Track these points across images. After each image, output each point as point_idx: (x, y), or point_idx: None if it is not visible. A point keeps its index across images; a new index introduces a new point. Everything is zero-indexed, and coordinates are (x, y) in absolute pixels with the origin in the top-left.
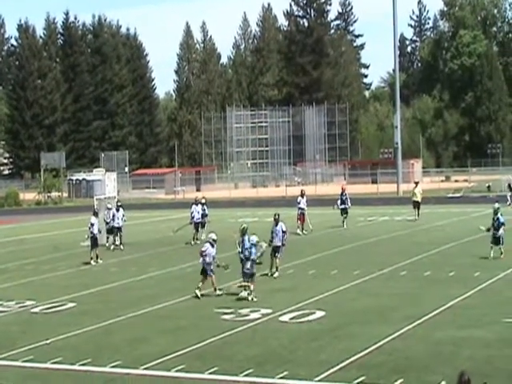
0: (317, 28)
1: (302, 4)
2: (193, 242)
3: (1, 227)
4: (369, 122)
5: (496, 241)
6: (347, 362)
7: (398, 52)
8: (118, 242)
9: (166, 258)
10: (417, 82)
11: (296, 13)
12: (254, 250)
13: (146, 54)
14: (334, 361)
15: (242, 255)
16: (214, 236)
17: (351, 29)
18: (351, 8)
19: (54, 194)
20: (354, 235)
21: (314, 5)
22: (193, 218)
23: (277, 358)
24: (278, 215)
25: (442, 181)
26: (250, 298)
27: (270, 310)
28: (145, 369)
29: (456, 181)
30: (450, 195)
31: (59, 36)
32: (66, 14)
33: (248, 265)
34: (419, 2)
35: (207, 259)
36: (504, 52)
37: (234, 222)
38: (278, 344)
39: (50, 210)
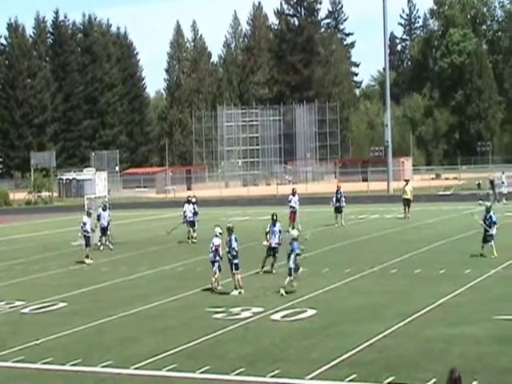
0: (307, 26)
1: (292, 3)
2: (189, 241)
3: None
4: (359, 121)
5: (488, 238)
6: (339, 359)
7: (388, 50)
8: (105, 242)
9: (157, 257)
10: (407, 80)
11: (286, 11)
12: (295, 244)
13: (137, 53)
14: (326, 359)
15: (229, 255)
16: (219, 230)
17: (341, 27)
18: (341, 6)
19: (44, 193)
20: (344, 233)
21: (305, 3)
22: (185, 216)
23: (268, 357)
24: (276, 215)
25: (433, 179)
26: (283, 292)
27: (261, 309)
28: (136, 368)
29: (446, 179)
30: (441, 193)
31: (49, 35)
32: (56, 12)
33: (292, 259)
34: (409, 1)
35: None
36: (493, 50)
37: (225, 221)
38: (269, 342)
39: (40, 209)
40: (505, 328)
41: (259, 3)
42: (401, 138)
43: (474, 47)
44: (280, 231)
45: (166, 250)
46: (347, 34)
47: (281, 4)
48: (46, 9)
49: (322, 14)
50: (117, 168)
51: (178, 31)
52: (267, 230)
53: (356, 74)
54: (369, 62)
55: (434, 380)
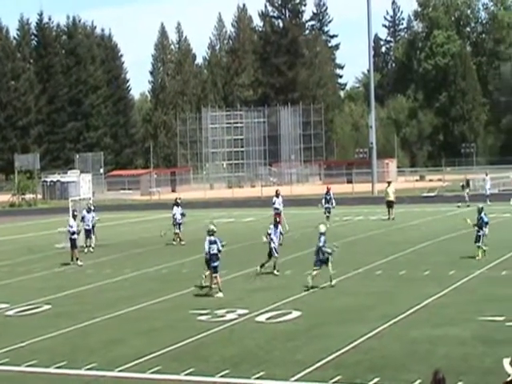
0: (292, 28)
1: (276, 5)
2: (176, 243)
3: None
4: (344, 122)
5: (477, 238)
6: (323, 361)
7: (372, 52)
8: (88, 244)
9: (142, 259)
10: (391, 82)
11: (271, 13)
12: (322, 238)
13: (121, 55)
14: (311, 360)
15: (206, 256)
16: (212, 227)
17: (326, 29)
18: (326, 9)
19: (29, 195)
20: (329, 235)
21: (289, 5)
22: (175, 219)
23: (253, 359)
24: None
25: (417, 180)
26: (309, 282)
27: (246, 311)
28: (120, 371)
29: (430, 180)
30: (425, 194)
31: (33, 37)
32: (40, 14)
33: (320, 253)
34: (393, 3)
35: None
36: (477, 52)
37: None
38: (254, 344)
39: (25, 211)
40: (489, 329)
41: (244, 5)
42: (385, 139)
43: (458, 49)
44: (281, 233)
45: (150, 252)
46: (332, 36)
47: (265, 6)
48: (30, 11)
49: (307, 16)
50: (101, 170)
51: (163, 33)
52: (269, 231)
53: (340, 76)
54: (353, 64)
55: (418, 381)
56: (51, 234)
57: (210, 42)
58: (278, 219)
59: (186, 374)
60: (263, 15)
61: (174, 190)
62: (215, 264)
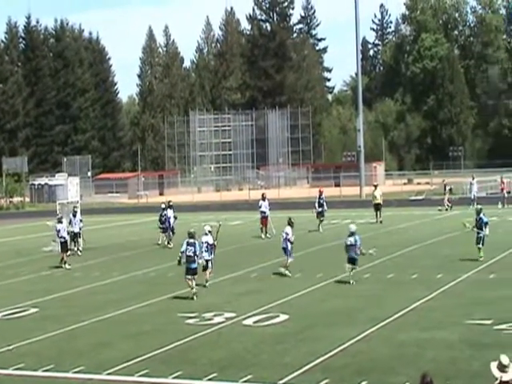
0: (279, 32)
1: (264, 8)
2: (168, 245)
3: None
4: (332, 126)
5: (478, 240)
6: (311, 364)
7: (360, 56)
8: (75, 248)
9: (130, 262)
10: (379, 85)
11: (259, 17)
12: (357, 237)
13: (109, 58)
14: (298, 364)
15: (180, 255)
16: (208, 228)
17: (314, 32)
18: (314, 12)
19: (16, 198)
20: (317, 238)
21: (277, 9)
22: (169, 222)
23: (241, 362)
24: (291, 219)
25: (405, 183)
26: (352, 282)
27: (233, 314)
28: (108, 374)
29: (418, 183)
30: (413, 198)
31: (21, 40)
32: (28, 17)
33: (353, 251)
34: (381, 6)
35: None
36: (465, 55)
37: (198, 226)
38: (241, 348)
39: (12, 214)
40: (477, 332)
41: (231, 8)
42: (373, 142)
43: (446, 52)
44: (292, 234)
45: (138, 255)
46: (319, 40)
47: (253, 9)
48: (18, 14)
49: (295, 19)
50: (89, 173)
51: (151, 36)
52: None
53: (328, 80)
54: (341, 67)
55: None
56: (39, 237)
57: (197, 46)
58: (292, 221)
59: (174, 377)
60: (251, 18)
61: (161, 194)
62: (193, 266)
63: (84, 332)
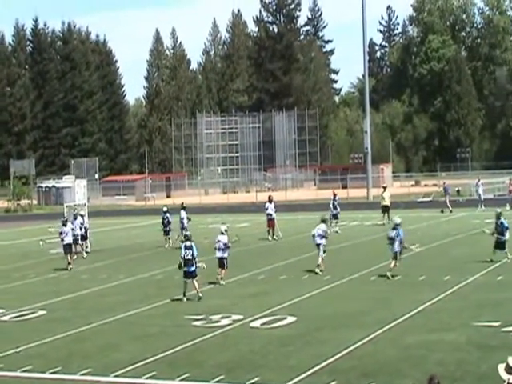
0: (286, 34)
1: (271, 10)
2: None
3: None
4: (339, 128)
5: (501, 246)
6: (318, 367)
7: (367, 57)
8: (83, 249)
9: (137, 264)
10: (386, 87)
11: (266, 19)
12: (400, 231)
13: (116, 61)
14: (305, 366)
15: (181, 260)
16: (224, 227)
17: (321, 34)
18: (321, 14)
19: (24, 201)
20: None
21: (284, 11)
22: (183, 223)
23: (248, 364)
24: (325, 218)
25: (412, 185)
26: (389, 275)
27: (241, 316)
28: (115, 376)
29: (426, 185)
30: (420, 200)
31: (28, 43)
32: (35, 20)
33: (396, 245)
34: (388, 8)
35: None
36: (472, 57)
37: (204, 228)
38: (249, 350)
39: (20, 217)
40: (485, 334)
41: (238, 10)
42: (380, 144)
43: (453, 54)
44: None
45: (145, 257)
46: (326, 41)
47: (260, 11)
48: (26, 17)
49: (302, 21)
50: (96, 176)
51: (158, 39)
52: (313, 232)
53: (335, 81)
54: (348, 69)
55: None
56: (46, 240)
57: (204, 48)
58: (325, 219)
59: (181, 380)
60: (258, 20)
61: (168, 196)
62: (191, 269)
63: (91, 334)
